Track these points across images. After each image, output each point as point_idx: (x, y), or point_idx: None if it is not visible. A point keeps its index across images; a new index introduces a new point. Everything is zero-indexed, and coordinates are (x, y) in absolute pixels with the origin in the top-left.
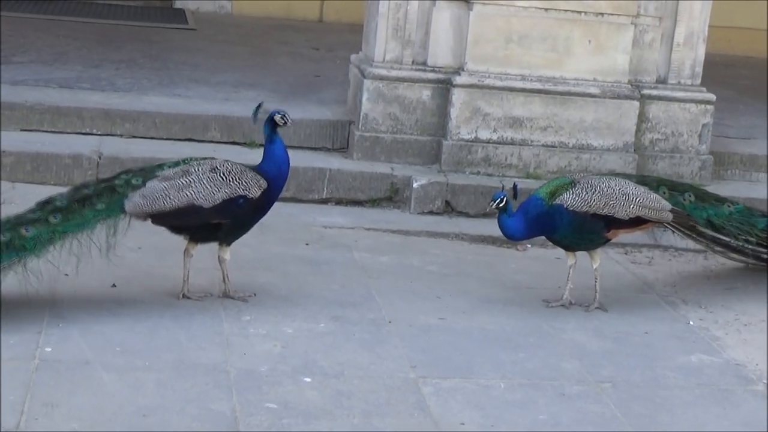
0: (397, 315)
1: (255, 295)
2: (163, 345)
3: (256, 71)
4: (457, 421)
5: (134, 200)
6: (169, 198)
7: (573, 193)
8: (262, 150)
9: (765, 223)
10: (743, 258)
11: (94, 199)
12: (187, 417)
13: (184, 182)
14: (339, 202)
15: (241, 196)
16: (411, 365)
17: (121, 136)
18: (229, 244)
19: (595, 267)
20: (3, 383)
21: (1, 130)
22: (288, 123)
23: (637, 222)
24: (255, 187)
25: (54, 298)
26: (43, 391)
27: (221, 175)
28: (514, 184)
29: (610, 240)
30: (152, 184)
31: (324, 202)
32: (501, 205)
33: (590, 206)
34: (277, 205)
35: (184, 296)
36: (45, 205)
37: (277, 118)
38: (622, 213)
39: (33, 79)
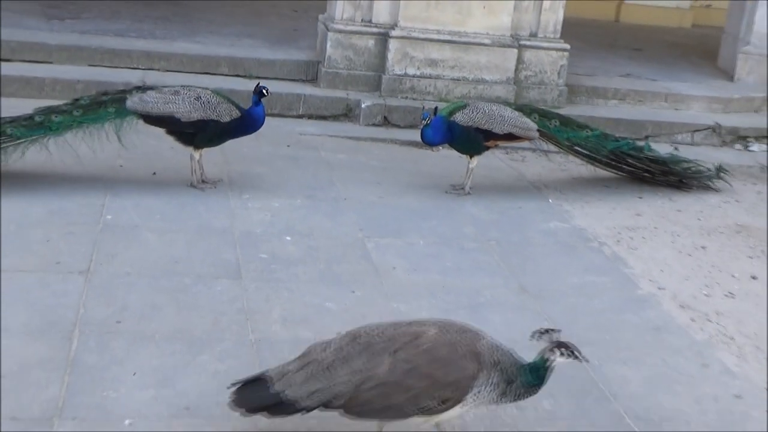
0: (350, 195)
1: (215, 186)
2: (189, 215)
3: (253, 26)
4: (390, 266)
5: (134, 99)
6: (157, 106)
7: (463, 112)
8: (257, 80)
9: (613, 146)
10: (597, 164)
11: (108, 104)
12: (206, 264)
13: (170, 98)
14: (310, 117)
15: (212, 120)
16: (359, 229)
17: (158, 70)
18: (198, 148)
19: (471, 166)
20: (78, 242)
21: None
22: (266, 94)
23: (510, 137)
24: (226, 116)
25: (113, 182)
26: (105, 246)
27: (202, 102)
28: (435, 107)
29: (490, 147)
30: (150, 92)
31: (300, 117)
32: (427, 122)
33: (474, 122)
34: (268, 119)
35: (202, 182)
36: (75, 101)
37: (260, 89)
38: (498, 129)
39: (95, 29)
